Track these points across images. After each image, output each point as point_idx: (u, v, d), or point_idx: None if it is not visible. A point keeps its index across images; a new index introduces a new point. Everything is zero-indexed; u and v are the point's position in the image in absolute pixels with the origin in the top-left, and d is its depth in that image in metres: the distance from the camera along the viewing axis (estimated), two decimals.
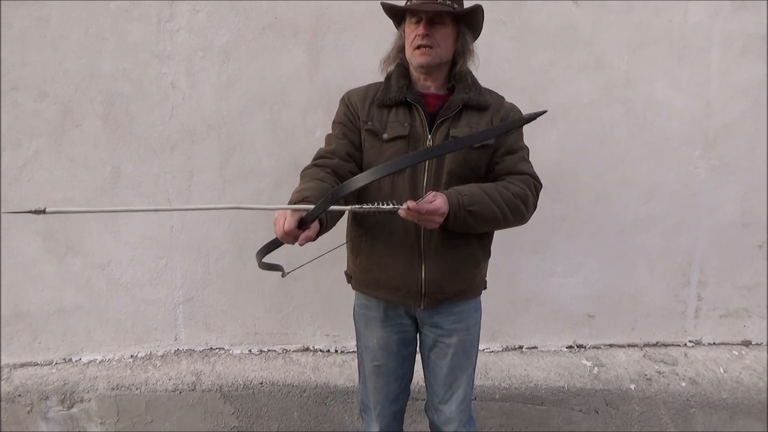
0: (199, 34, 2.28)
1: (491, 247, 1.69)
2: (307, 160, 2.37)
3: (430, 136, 1.54)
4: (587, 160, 2.45)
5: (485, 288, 1.75)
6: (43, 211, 1.10)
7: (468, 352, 1.70)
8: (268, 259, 1.47)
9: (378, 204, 1.29)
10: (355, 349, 2.55)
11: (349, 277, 1.74)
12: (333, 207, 1.25)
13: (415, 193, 1.52)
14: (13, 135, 2.28)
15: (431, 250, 1.55)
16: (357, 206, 1.30)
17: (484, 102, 1.57)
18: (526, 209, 1.54)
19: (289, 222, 1.25)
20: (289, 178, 2.39)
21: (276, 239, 1.37)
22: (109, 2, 2.23)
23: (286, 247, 1.41)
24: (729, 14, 2.38)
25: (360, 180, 1.25)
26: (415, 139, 1.54)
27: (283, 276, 1.45)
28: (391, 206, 1.29)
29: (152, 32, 2.27)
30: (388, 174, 1.26)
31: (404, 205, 1.30)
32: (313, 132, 2.37)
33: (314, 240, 1.34)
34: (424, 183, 1.53)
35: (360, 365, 1.80)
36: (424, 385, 1.81)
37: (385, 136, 1.55)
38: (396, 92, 1.57)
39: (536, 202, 1.58)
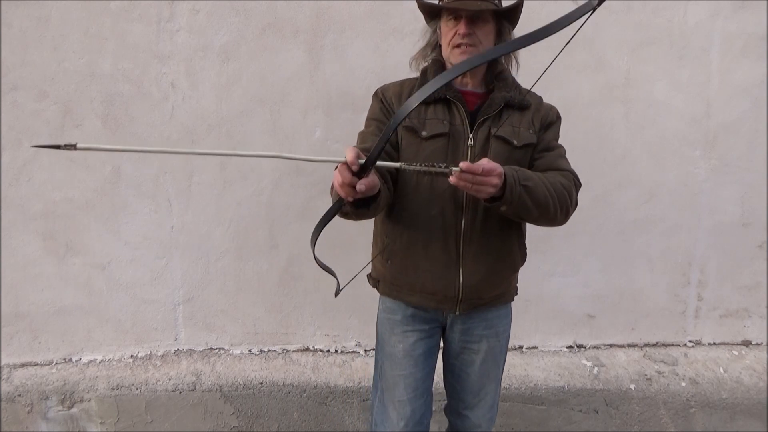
0: (199, 34, 2.28)
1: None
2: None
3: (471, 135, 1.48)
4: (587, 160, 2.45)
5: (516, 294, 1.69)
6: (75, 147, 1.02)
7: (497, 359, 1.64)
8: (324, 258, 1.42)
9: (429, 165, 1.19)
10: (356, 349, 2.57)
11: (376, 281, 1.66)
12: (382, 163, 1.18)
13: (456, 193, 1.45)
14: (13, 135, 2.28)
15: (471, 253, 1.49)
16: (407, 165, 1.19)
17: (525, 102, 1.52)
18: (570, 203, 1.46)
19: (343, 171, 1.16)
20: (289, 178, 2.39)
21: (332, 207, 1.30)
22: (109, 2, 2.23)
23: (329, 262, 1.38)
24: (729, 14, 2.38)
25: (422, 93, 1.13)
26: (456, 137, 1.48)
27: (336, 295, 1.42)
28: (442, 168, 1.18)
29: (152, 32, 2.27)
30: (448, 80, 1.14)
31: (458, 168, 1.19)
32: (313, 132, 2.37)
33: (369, 211, 1.27)
34: None
35: (378, 380, 1.68)
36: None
37: (424, 133, 1.48)
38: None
39: (577, 200, 1.51)
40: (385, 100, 1.55)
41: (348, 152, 1.16)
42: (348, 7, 2.29)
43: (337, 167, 1.19)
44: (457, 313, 1.56)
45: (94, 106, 2.29)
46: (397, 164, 1.21)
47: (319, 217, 1.35)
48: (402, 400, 1.60)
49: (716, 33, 2.39)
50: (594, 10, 1.00)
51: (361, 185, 1.16)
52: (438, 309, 1.58)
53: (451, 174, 1.20)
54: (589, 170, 2.46)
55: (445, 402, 1.77)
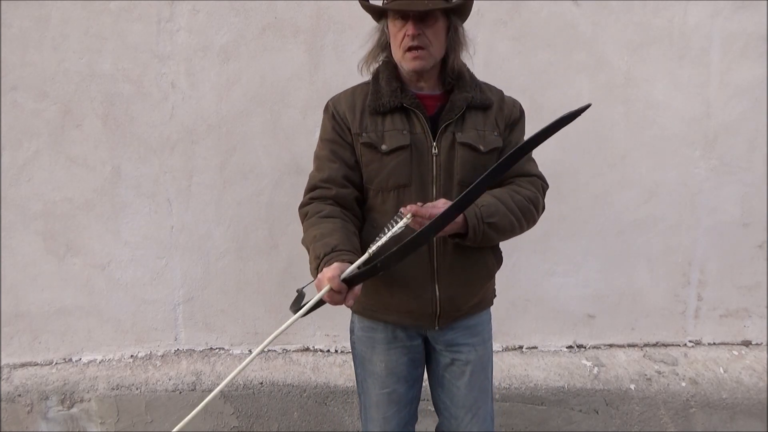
0: (199, 34, 2.28)
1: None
2: (308, 160, 2.37)
3: (435, 143, 1.41)
4: (587, 160, 2.45)
5: (495, 296, 1.64)
6: None
7: (486, 368, 1.58)
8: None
9: (387, 230, 1.23)
10: None
11: None
12: (354, 264, 1.23)
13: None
14: (13, 135, 2.28)
15: (445, 267, 1.44)
16: (371, 249, 1.24)
17: (487, 100, 1.45)
18: (536, 213, 1.46)
19: (333, 297, 1.24)
20: (289, 178, 2.39)
21: (319, 302, 1.32)
22: (109, 2, 2.23)
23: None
24: (729, 14, 2.38)
25: (406, 249, 1.20)
26: (418, 147, 1.40)
27: (297, 291, 1.43)
28: (401, 224, 1.23)
29: (152, 32, 2.27)
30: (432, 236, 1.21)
31: (408, 216, 1.23)
32: (313, 132, 2.35)
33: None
34: (433, 197, 1.40)
35: (361, 394, 1.63)
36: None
37: (384, 147, 1.40)
38: (389, 97, 1.42)
39: (544, 203, 1.50)
40: (338, 115, 1.47)
41: (330, 282, 1.21)
42: (348, 7, 2.29)
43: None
44: (437, 328, 1.50)
45: (94, 106, 2.29)
46: (365, 256, 1.25)
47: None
48: (386, 417, 1.57)
49: (716, 33, 2.39)
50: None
51: (349, 302, 1.24)
52: (417, 325, 1.52)
53: (408, 223, 1.25)
54: (589, 170, 2.46)
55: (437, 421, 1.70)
